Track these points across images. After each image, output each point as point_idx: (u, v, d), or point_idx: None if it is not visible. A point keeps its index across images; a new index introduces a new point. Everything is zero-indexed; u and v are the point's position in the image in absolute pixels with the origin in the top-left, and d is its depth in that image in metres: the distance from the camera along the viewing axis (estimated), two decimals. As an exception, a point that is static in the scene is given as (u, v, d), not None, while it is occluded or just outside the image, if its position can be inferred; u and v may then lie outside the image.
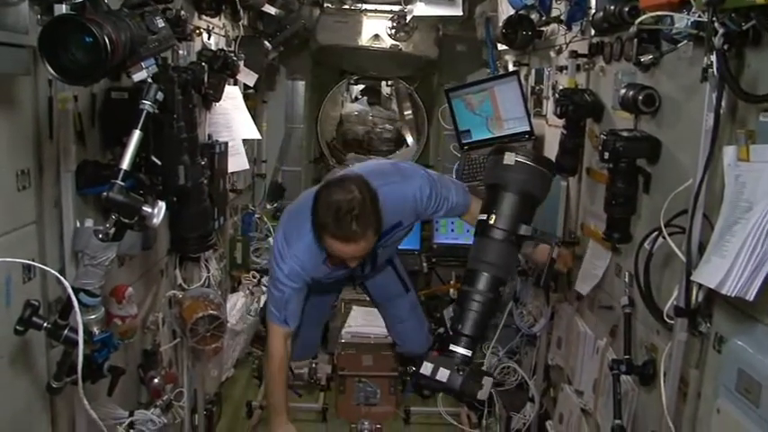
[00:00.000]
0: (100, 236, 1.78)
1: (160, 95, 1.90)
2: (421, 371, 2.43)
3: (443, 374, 2.40)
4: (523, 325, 3.72)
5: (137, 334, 2.61)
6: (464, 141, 3.90)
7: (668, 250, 2.14)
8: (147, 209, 1.76)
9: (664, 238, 2.10)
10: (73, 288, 1.80)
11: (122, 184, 1.73)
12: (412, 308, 3.61)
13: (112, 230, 1.76)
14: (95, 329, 1.94)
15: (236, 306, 4.31)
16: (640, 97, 2.38)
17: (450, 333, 2.55)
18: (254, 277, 4.69)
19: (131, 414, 2.40)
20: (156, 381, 2.79)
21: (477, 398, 2.51)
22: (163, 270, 3.15)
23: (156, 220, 1.78)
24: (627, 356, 2.41)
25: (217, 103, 3.79)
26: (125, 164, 1.76)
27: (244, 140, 4.34)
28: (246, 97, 4.49)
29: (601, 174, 2.92)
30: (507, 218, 2.54)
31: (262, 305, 4.49)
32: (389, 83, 8.90)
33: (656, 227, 2.15)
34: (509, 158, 2.55)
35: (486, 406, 3.85)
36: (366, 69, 6.84)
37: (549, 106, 3.80)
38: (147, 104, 1.86)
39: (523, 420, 3.69)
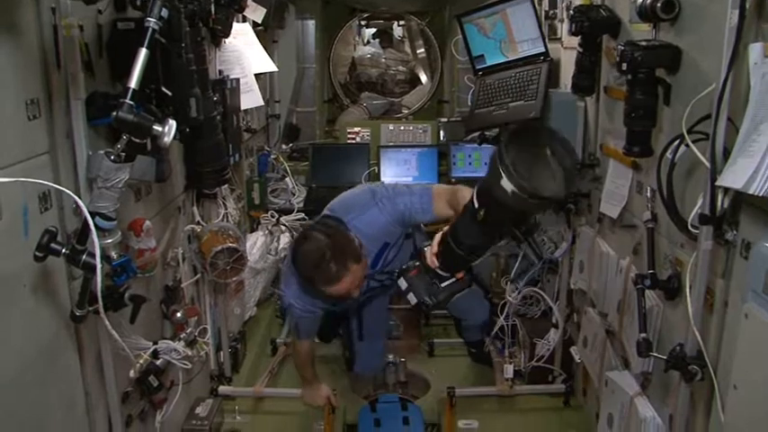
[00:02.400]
0: (112, 157, 1.76)
1: (165, 12, 1.85)
2: (398, 282, 2.51)
3: (411, 298, 2.49)
4: (545, 251, 3.69)
5: (156, 268, 2.60)
6: (478, 67, 3.81)
7: (691, 159, 2.09)
8: (157, 127, 1.74)
9: (687, 145, 2.05)
10: (88, 212, 1.79)
11: (131, 103, 1.70)
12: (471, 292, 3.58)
13: (124, 152, 1.74)
14: (113, 254, 1.93)
15: (255, 245, 4.31)
16: (659, 4, 2.30)
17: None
18: (272, 216, 4.68)
19: (155, 344, 2.41)
20: (178, 315, 2.80)
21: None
22: (180, 207, 3.15)
23: (167, 139, 1.75)
24: (651, 271, 2.38)
25: (226, 41, 3.73)
26: (133, 82, 1.73)
27: (257, 79, 4.30)
28: (256, 36, 4.43)
29: (619, 90, 2.85)
30: (496, 223, 2.28)
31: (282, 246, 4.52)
32: (401, 23, 8.78)
33: (678, 134, 2.10)
34: (506, 185, 1.97)
35: (510, 336, 3.87)
36: (376, 5, 6.69)
37: (563, 29, 3.71)
38: (151, 22, 1.82)
39: (547, 346, 3.69)
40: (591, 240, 3.24)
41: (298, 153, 5.73)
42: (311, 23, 6.23)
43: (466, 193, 2.72)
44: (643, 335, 2.27)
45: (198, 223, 3.26)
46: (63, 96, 2.02)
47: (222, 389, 3.64)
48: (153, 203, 2.80)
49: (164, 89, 2.36)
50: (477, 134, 5.29)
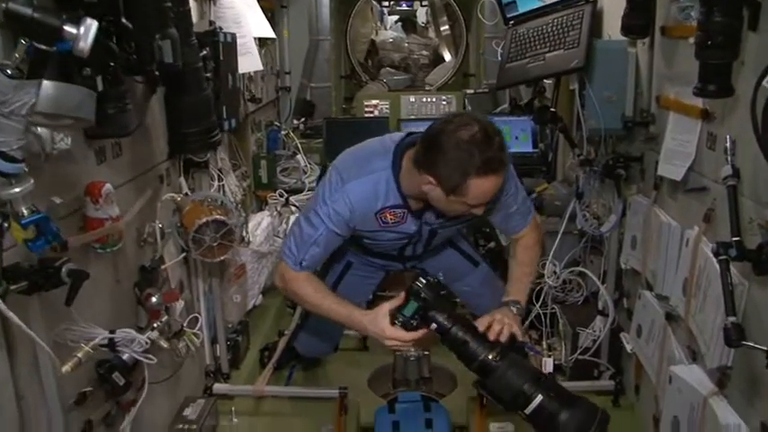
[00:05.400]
0: (9, 71, 1.30)
1: None
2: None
3: None
4: (588, 227, 3.19)
5: (123, 242, 2.15)
6: (509, 15, 3.29)
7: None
8: (69, 28, 1.28)
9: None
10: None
11: (30, -10, 1.24)
12: (486, 281, 3.09)
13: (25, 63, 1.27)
14: (24, 210, 1.47)
15: (260, 226, 3.87)
16: None
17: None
18: (281, 196, 4.25)
19: (112, 332, 1.95)
20: (153, 299, 2.34)
21: None
22: (162, 176, 2.70)
23: (84, 44, 1.29)
24: (736, 238, 1.87)
25: (222, -6, 3.29)
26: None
27: (261, 44, 3.88)
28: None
29: (684, 26, 2.37)
30: None
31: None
32: (424, 3, 8.41)
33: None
34: None
35: (548, 325, 3.39)
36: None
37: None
38: None
39: (592, 337, 3.19)
40: (646, 211, 2.75)
41: (312, 130, 5.31)
42: (324, -10, 5.79)
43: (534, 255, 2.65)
44: (732, 318, 1.75)
45: (186, 195, 2.80)
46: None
47: (217, 387, 3.18)
48: (122, 169, 2.35)
49: (124, 21, 1.92)
50: (507, 105, 4.87)
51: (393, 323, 2.20)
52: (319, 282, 2.49)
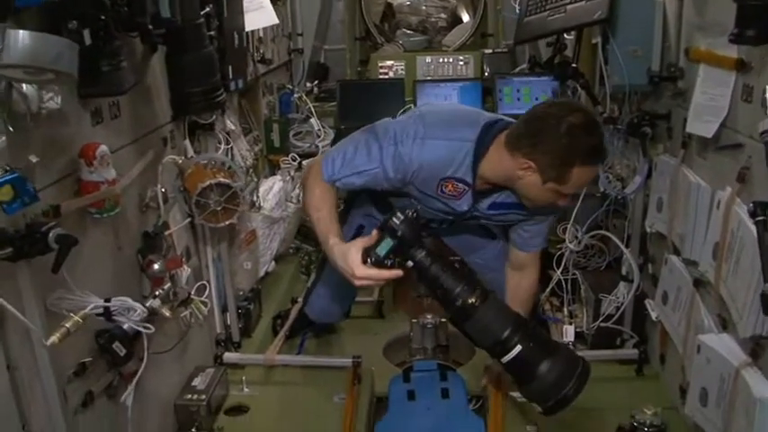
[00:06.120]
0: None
1: None
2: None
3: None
4: (611, 189, 3.05)
5: (120, 206, 2.04)
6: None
7: None
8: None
9: None
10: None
11: None
12: (499, 255, 2.91)
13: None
14: None
15: (271, 190, 3.77)
16: None
17: None
18: (294, 160, 4.13)
19: (107, 301, 1.86)
20: (156, 266, 2.25)
21: None
22: (166, 138, 2.58)
23: None
24: (775, 198, 1.74)
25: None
26: None
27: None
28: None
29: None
30: None
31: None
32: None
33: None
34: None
35: (569, 292, 3.27)
36: None
37: None
38: None
39: (615, 304, 3.07)
40: (673, 171, 2.61)
41: (326, 93, 5.18)
42: (335, -53, 5.61)
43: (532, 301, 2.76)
44: (769, 284, 1.64)
45: (190, 158, 2.69)
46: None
47: (227, 356, 3.10)
48: (122, 131, 2.24)
49: (115, -27, 1.80)
50: (526, 64, 4.70)
51: (365, 261, 2.03)
52: (330, 196, 2.31)
